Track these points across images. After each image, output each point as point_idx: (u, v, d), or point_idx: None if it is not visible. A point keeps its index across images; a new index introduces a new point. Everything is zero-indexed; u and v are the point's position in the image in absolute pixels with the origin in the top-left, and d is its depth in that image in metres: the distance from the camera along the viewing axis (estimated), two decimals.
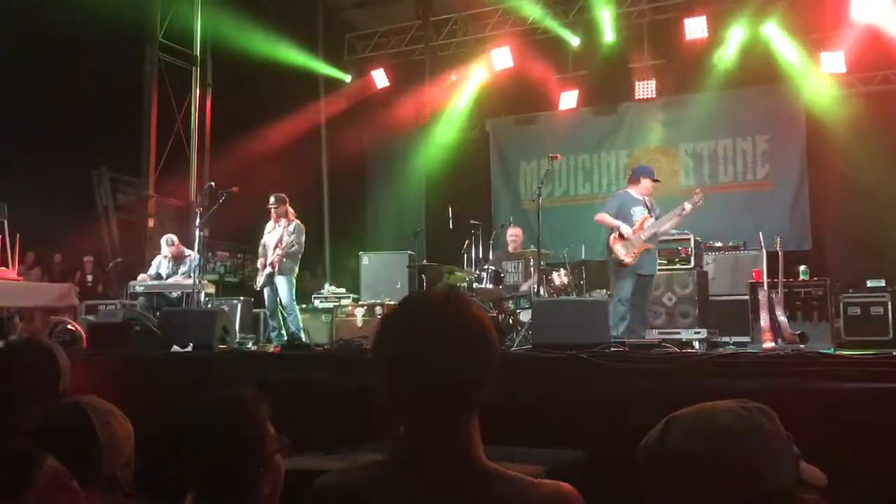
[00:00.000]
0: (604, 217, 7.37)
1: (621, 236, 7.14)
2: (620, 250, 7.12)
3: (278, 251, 8.44)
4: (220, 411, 1.81)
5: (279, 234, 8.53)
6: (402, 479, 1.42)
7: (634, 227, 7.18)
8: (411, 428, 1.44)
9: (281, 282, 8.54)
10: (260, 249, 8.79)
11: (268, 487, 1.82)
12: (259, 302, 9.92)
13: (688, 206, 7.19)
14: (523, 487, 1.39)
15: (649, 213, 7.31)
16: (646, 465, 1.32)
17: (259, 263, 8.76)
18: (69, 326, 7.22)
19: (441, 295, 1.54)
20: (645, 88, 11.98)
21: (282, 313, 8.60)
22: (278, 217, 8.66)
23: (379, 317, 9.22)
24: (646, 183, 7.44)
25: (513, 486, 1.39)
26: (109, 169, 12.10)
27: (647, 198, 7.44)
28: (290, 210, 8.67)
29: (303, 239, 8.65)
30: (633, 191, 7.47)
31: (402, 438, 1.45)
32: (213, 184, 8.98)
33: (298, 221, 8.69)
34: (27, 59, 9.80)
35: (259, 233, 8.89)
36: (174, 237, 9.42)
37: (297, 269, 8.75)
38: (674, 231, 8.75)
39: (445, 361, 1.40)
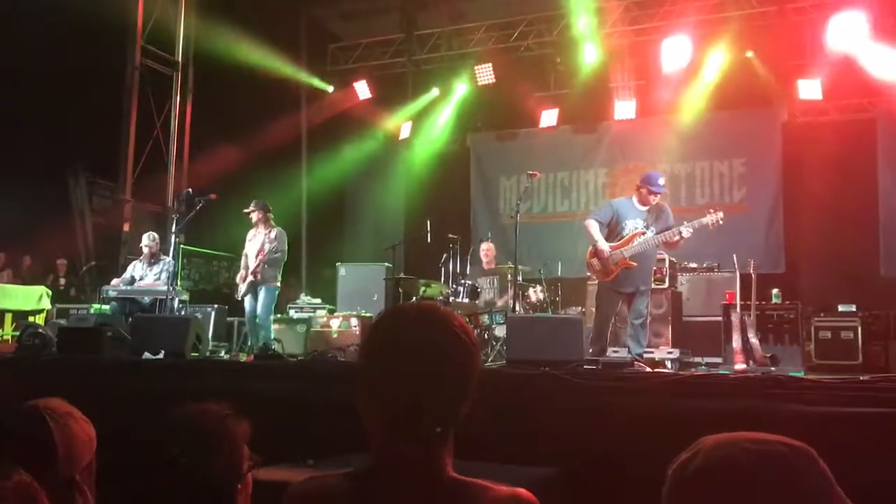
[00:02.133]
0: (588, 226, 6.81)
1: (597, 253, 6.70)
2: (595, 264, 6.75)
3: (260, 258, 8.29)
4: (199, 426, 1.79)
5: (260, 241, 8.40)
6: (371, 492, 1.42)
7: (618, 243, 6.66)
8: (386, 442, 1.45)
9: (262, 292, 8.37)
10: (242, 260, 8.62)
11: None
12: (233, 310, 9.85)
13: (685, 232, 6.58)
14: (481, 492, 1.41)
15: (646, 227, 6.70)
16: (675, 490, 1.18)
17: (239, 276, 8.59)
18: (39, 330, 7.13)
19: (424, 309, 1.54)
20: (625, 108, 12.09)
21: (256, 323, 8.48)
22: (257, 223, 8.54)
23: (355, 328, 9.20)
24: (643, 192, 6.76)
25: (471, 494, 1.41)
26: (86, 172, 12.01)
27: (650, 209, 6.75)
28: (271, 217, 8.57)
29: (285, 246, 8.52)
30: (636, 199, 6.83)
31: (376, 452, 1.46)
32: (190, 190, 8.94)
33: (280, 228, 8.57)
34: (6, 58, 9.70)
35: (236, 241, 8.78)
36: (157, 235, 9.31)
37: (280, 279, 8.59)
38: None
39: (426, 381, 1.41)
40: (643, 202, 6.77)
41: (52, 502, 1.71)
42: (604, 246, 6.65)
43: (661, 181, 6.89)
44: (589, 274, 7.01)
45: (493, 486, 1.42)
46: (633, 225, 6.73)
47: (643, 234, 6.69)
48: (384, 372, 1.44)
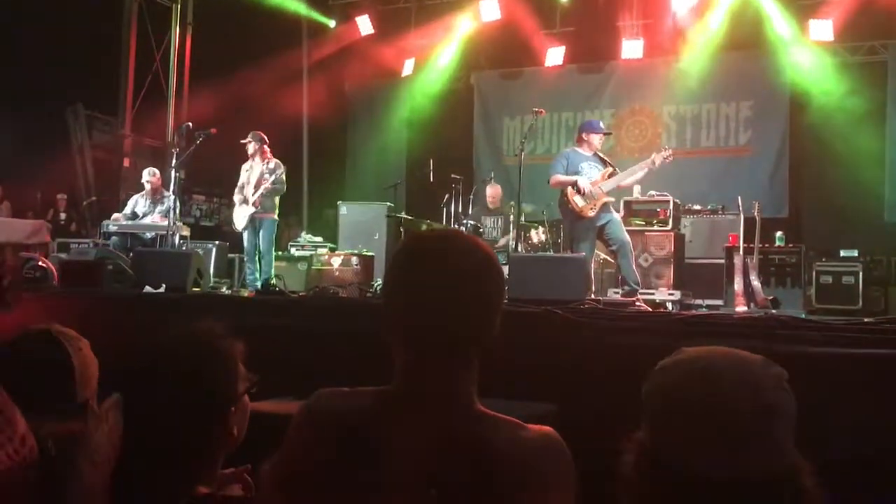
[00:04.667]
0: (557, 178, 7.07)
1: (579, 190, 6.89)
2: (579, 202, 6.89)
3: (262, 188, 8.18)
4: (189, 345, 1.75)
5: (259, 171, 8.28)
6: (397, 412, 1.40)
7: (594, 181, 6.94)
8: (411, 370, 1.43)
9: (263, 226, 8.32)
10: (236, 192, 8.51)
11: (237, 428, 1.79)
12: (234, 247, 9.83)
13: (657, 160, 7.06)
14: (514, 429, 1.39)
15: (606, 165, 7.13)
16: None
17: (236, 212, 8.51)
18: (40, 263, 7.12)
19: (449, 235, 1.52)
20: (632, 48, 11.87)
21: (259, 257, 8.43)
22: (253, 155, 8.39)
23: (356, 266, 9.19)
24: (591, 139, 7.18)
25: (504, 429, 1.39)
26: (85, 106, 11.87)
27: (595, 154, 7.19)
28: (267, 149, 8.42)
29: (284, 177, 8.41)
30: (581, 148, 7.22)
31: (401, 377, 1.44)
32: (190, 124, 8.83)
33: (277, 160, 8.43)
34: None
35: (237, 177, 8.66)
36: (157, 170, 9.24)
37: (277, 212, 8.51)
38: (653, 192, 8.80)
39: (450, 308, 1.39)
40: (590, 148, 7.18)
41: (72, 425, 1.69)
42: (585, 182, 6.90)
43: (602, 124, 7.56)
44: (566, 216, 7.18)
45: (523, 424, 1.40)
46: (589, 166, 7.04)
47: (613, 173, 7.07)
48: (408, 299, 1.42)
